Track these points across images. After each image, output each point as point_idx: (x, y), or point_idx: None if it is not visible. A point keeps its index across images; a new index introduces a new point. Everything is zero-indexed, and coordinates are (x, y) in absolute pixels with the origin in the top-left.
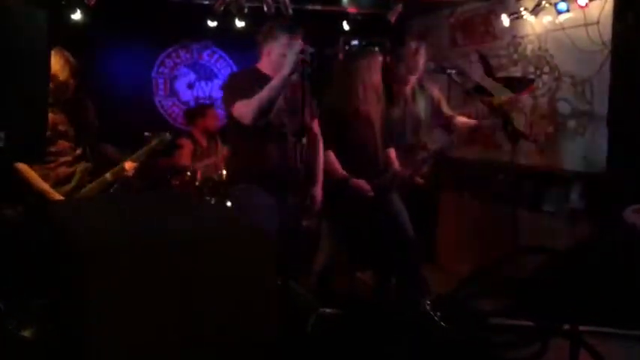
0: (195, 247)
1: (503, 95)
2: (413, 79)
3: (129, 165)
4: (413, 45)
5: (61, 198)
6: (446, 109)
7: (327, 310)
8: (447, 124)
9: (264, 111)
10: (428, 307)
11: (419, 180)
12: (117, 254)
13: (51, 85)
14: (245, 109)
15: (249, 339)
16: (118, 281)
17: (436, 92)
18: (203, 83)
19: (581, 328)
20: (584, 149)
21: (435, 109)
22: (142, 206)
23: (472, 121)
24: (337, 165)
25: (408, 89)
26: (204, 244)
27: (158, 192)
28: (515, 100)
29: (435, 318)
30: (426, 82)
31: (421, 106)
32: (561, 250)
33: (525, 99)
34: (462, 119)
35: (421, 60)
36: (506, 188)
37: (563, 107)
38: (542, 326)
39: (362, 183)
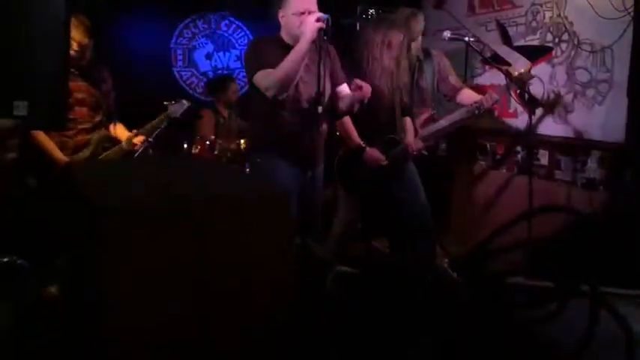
0: (213, 209)
1: (520, 63)
2: (414, 45)
3: (138, 139)
4: (407, 10)
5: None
6: (453, 79)
7: (345, 269)
8: (453, 97)
9: (286, 84)
10: (446, 266)
11: (425, 153)
12: (134, 216)
13: (70, 51)
14: (267, 82)
15: (269, 298)
16: (135, 243)
17: (444, 61)
18: (221, 54)
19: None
20: (602, 118)
21: (442, 79)
22: (161, 169)
23: (477, 96)
24: (354, 133)
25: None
26: (222, 205)
27: (177, 156)
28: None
29: (453, 276)
30: (434, 51)
31: (428, 76)
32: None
33: (543, 67)
34: (467, 93)
35: (417, 26)
36: (522, 158)
37: (582, 75)
38: (561, 287)
39: (376, 153)
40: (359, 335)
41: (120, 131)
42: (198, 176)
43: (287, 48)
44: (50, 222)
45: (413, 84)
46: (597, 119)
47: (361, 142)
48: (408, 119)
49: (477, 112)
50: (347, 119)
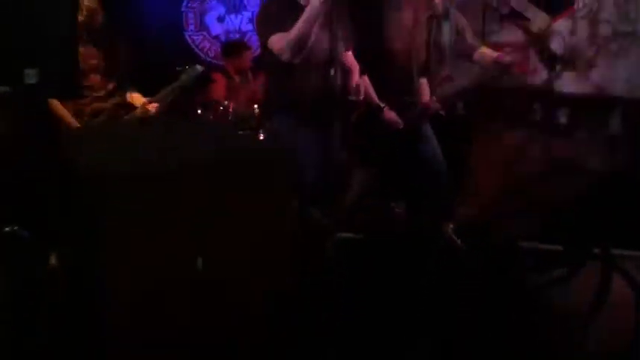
0: (207, 172)
1: (540, 19)
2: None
3: (152, 106)
4: None
5: None
6: (470, 38)
7: (347, 235)
8: (469, 55)
9: (301, 46)
10: (450, 232)
11: (442, 113)
12: (122, 181)
13: (79, 16)
14: (281, 45)
15: (267, 263)
16: (126, 208)
17: (461, 20)
18: (233, 16)
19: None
20: (626, 73)
21: (459, 37)
22: (155, 134)
23: (495, 54)
24: (373, 92)
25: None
26: (218, 170)
27: (178, 120)
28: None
29: (458, 242)
30: (451, 9)
31: (445, 34)
32: (595, 170)
33: (564, 22)
34: (485, 51)
35: None
36: (541, 116)
37: (605, 29)
38: (572, 250)
39: (393, 115)
40: (360, 304)
41: (136, 99)
42: (195, 138)
43: (300, 8)
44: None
45: (430, 43)
46: (621, 74)
47: (380, 103)
48: (424, 80)
49: (495, 72)
50: (365, 79)
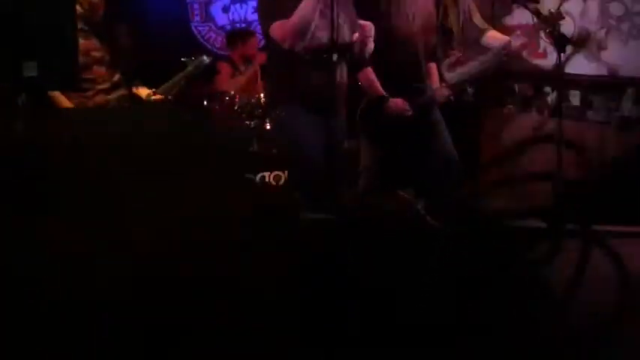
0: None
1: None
2: None
3: (157, 97)
4: None
5: None
6: (478, 20)
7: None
8: (478, 39)
9: (302, 33)
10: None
11: (452, 99)
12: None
13: (80, 8)
14: (282, 32)
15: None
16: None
17: (469, 3)
18: (238, 6)
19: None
20: (638, 53)
21: (467, 21)
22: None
23: (505, 38)
24: (376, 83)
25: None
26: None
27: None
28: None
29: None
30: None
31: (454, 17)
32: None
33: (574, 2)
34: (493, 34)
35: None
36: (552, 99)
37: (616, 8)
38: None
39: (400, 102)
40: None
41: (141, 91)
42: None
43: None
44: None
45: (438, 26)
46: (633, 55)
47: (384, 92)
48: (432, 65)
49: (504, 57)
50: (368, 69)
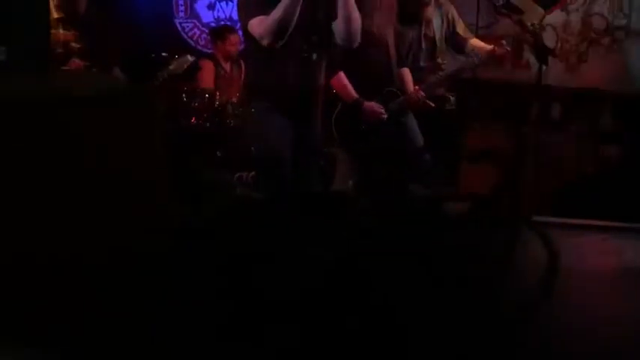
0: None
1: (533, 12)
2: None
3: None
4: None
5: None
6: (461, 30)
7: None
8: (462, 47)
9: (282, 31)
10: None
11: (430, 103)
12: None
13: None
14: (261, 29)
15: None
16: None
17: (452, 11)
18: (223, 4)
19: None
20: (618, 67)
21: (451, 29)
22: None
23: (487, 47)
24: (349, 87)
25: (429, 10)
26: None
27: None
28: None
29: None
30: (444, 2)
31: (437, 27)
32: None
33: (557, 15)
34: (475, 43)
35: None
36: (532, 111)
37: (598, 22)
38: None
39: (374, 106)
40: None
41: None
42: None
43: None
44: None
45: (420, 34)
46: (613, 68)
47: (357, 96)
48: (406, 70)
49: (477, 60)
50: (341, 73)
